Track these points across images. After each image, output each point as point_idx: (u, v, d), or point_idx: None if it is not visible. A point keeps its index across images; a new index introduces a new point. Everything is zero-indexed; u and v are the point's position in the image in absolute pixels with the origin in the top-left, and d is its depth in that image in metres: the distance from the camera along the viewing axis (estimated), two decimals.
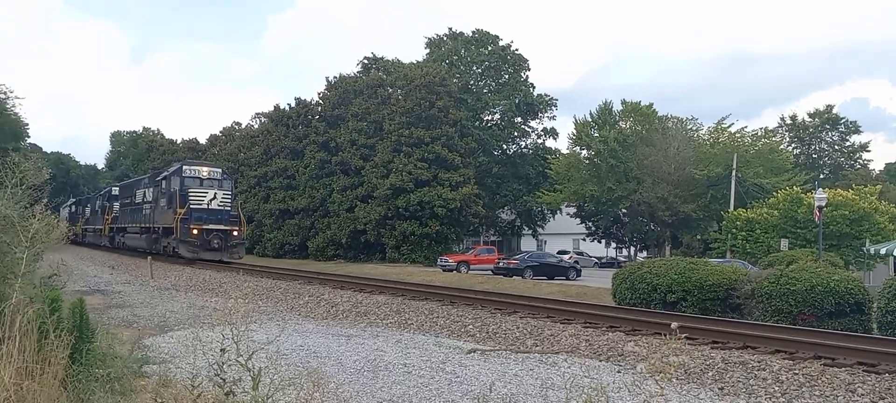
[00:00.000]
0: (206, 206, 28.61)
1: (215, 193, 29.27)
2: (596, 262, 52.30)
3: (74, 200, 61.10)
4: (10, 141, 48.96)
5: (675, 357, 4.08)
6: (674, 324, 4.16)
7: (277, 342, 8.07)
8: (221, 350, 4.24)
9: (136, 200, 35.91)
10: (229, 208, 29.66)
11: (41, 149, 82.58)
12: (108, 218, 42.44)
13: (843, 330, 11.61)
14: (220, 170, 31.81)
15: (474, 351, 9.77)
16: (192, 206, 28.05)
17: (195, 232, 27.50)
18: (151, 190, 32.57)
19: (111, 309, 14.45)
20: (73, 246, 47.15)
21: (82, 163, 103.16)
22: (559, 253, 44.10)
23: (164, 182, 30.48)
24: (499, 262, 32.40)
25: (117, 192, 42.19)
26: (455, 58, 53.88)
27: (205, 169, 30.83)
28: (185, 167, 30.36)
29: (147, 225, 32.47)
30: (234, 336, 4.11)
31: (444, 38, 55.75)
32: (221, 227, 28.52)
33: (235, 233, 29.22)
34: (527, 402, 6.70)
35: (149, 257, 27.73)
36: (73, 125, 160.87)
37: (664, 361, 4.20)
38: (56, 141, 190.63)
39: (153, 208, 31.82)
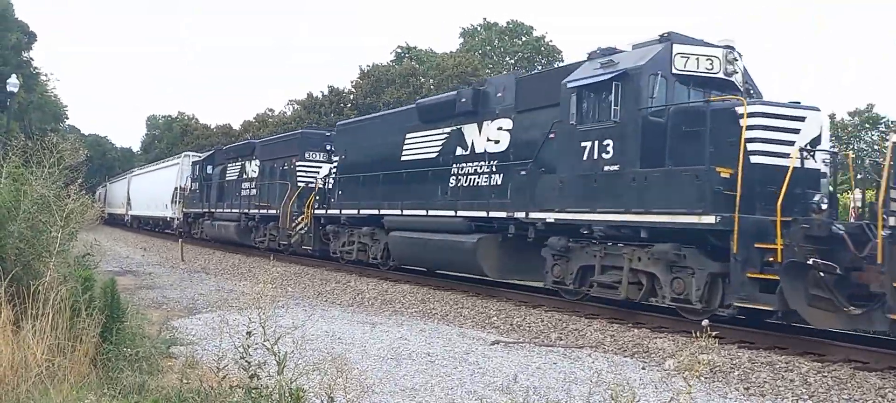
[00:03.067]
0: None
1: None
2: None
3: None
4: (50, 122, 50.11)
5: (705, 355, 4.02)
6: (705, 321, 4.12)
7: (303, 328, 8.18)
8: (247, 333, 4.31)
9: (228, 176, 29.03)
10: None
11: (79, 130, 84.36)
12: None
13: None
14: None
15: (498, 343, 9.77)
16: None
17: None
18: (266, 164, 25.13)
19: (141, 290, 14.73)
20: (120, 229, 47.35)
21: (118, 145, 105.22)
22: None
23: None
24: None
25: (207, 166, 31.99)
26: (488, 48, 53.81)
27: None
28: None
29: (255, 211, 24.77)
30: (260, 321, 4.16)
31: (479, 28, 55.65)
32: None
33: None
34: (550, 395, 6.68)
35: (180, 240, 28.17)
36: (112, 107, 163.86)
37: (694, 358, 4.16)
38: (94, 123, 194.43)
39: (267, 187, 24.62)
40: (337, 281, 17.17)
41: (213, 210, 29.61)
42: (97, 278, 7.10)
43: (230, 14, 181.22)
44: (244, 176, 27.36)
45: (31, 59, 47.91)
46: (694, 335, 4.55)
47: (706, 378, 7.89)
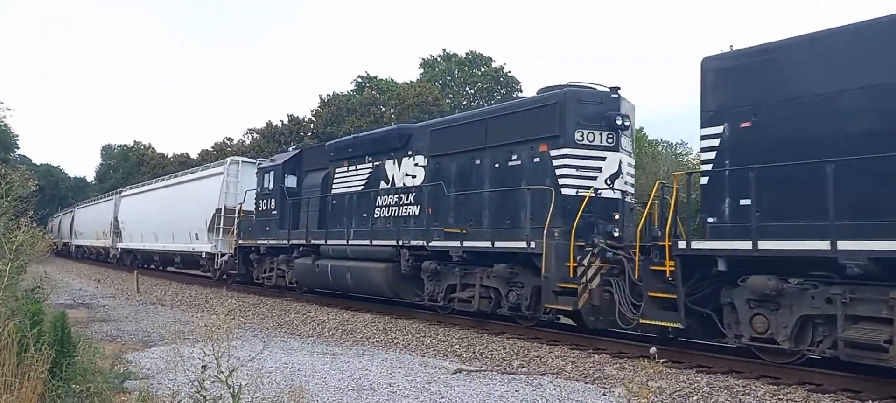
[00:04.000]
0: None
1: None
2: None
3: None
4: (0, 152, 48.75)
5: (654, 382, 4.08)
6: (652, 349, 4.18)
7: (260, 359, 8.03)
8: (203, 367, 4.21)
9: (342, 185, 18.08)
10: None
11: (31, 160, 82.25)
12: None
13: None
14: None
15: (460, 371, 9.73)
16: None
17: None
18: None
19: (95, 323, 14.32)
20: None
21: (72, 175, 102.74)
22: None
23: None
24: None
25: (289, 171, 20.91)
26: (448, 78, 54.21)
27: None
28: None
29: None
30: (215, 354, 4.08)
31: (438, 59, 56.08)
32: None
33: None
34: None
35: (135, 271, 27.52)
36: (65, 137, 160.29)
37: (642, 385, 4.20)
38: (46, 153, 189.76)
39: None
40: (296, 311, 16.94)
41: (316, 241, 18.05)
42: (49, 311, 6.89)
43: (189, 43, 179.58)
44: (390, 183, 16.35)
45: None
46: (647, 360, 4.61)
47: (665, 402, 7.96)
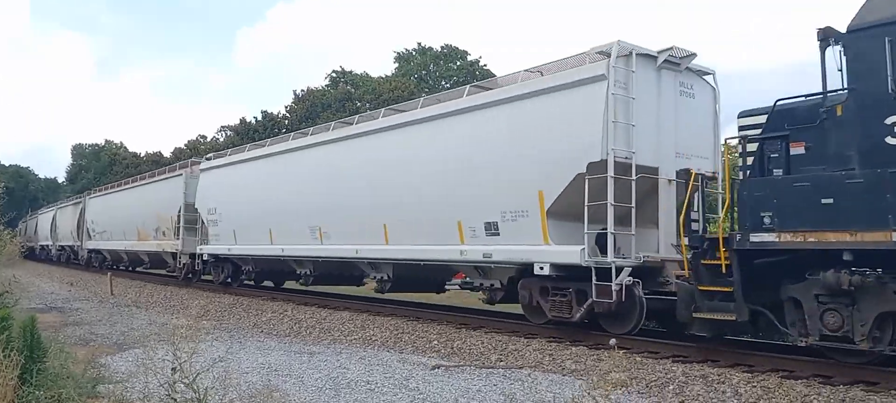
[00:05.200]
0: None
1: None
2: None
3: None
4: None
5: (616, 373, 4.11)
6: (612, 340, 4.22)
7: (231, 359, 7.96)
8: (173, 369, 4.16)
9: None
10: None
11: None
12: None
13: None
14: None
15: (439, 367, 9.72)
16: None
17: None
18: None
19: (68, 327, 14.11)
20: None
21: (42, 176, 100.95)
22: None
23: None
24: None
25: None
26: (424, 72, 54.12)
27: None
28: None
29: None
30: (178, 356, 4.03)
31: (413, 53, 55.95)
32: None
33: None
34: None
35: (109, 273, 27.14)
36: (38, 138, 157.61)
37: (604, 378, 4.24)
38: (17, 154, 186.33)
39: None
40: (273, 310, 16.82)
41: None
42: (20, 316, 6.77)
43: (161, 40, 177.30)
44: None
45: None
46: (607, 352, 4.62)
47: (641, 393, 8.03)
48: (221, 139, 57.38)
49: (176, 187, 24.84)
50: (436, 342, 11.94)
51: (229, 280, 21.66)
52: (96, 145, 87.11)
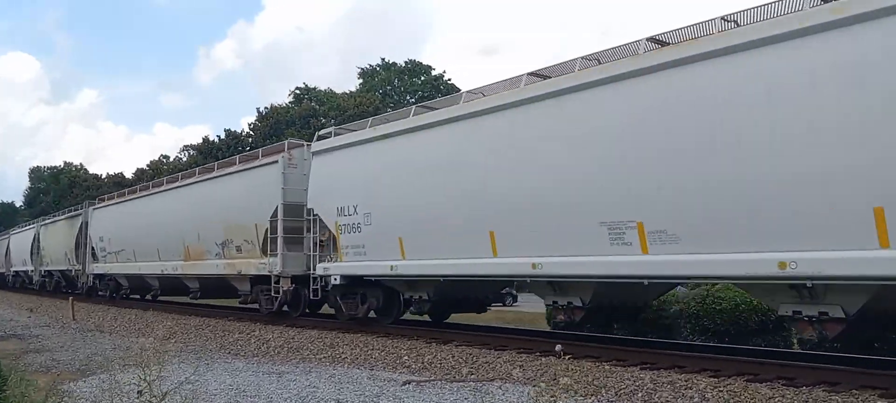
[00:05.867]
0: None
1: None
2: None
3: None
4: None
5: (564, 378, 4.16)
6: (558, 346, 4.32)
7: (204, 381, 7.84)
8: (138, 392, 4.10)
9: None
10: None
11: None
12: None
13: (767, 347, 12.06)
14: None
15: (409, 383, 9.70)
16: None
17: None
18: None
19: (28, 355, 13.78)
20: None
21: None
22: None
23: None
24: None
25: None
26: (388, 87, 54.23)
27: None
28: None
29: None
30: (147, 378, 3.98)
31: (378, 69, 56.03)
32: None
33: None
34: None
35: (70, 297, 26.51)
36: None
37: (553, 383, 4.30)
38: None
39: None
40: (240, 331, 16.61)
41: None
42: None
43: (117, 59, 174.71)
44: None
45: None
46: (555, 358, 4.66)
47: (611, 400, 8.10)
48: (184, 159, 56.69)
49: (265, 180, 17.09)
50: (406, 357, 11.90)
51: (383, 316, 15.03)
52: (55, 168, 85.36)
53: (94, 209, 29.01)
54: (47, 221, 37.65)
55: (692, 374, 9.08)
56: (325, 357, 12.76)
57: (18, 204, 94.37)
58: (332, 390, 9.29)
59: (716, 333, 13.60)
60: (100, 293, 28.01)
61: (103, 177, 67.21)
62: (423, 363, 11.40)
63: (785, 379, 8.41)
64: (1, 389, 6.04)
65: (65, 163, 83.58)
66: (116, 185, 58.77)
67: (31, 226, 40.75)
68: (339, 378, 10.34)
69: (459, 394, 8.80)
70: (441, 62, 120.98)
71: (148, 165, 60.43)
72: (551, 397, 3.95)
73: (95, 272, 27.98)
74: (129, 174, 63.69)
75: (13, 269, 45.11)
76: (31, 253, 37.96)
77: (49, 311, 26.55)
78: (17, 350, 14.18)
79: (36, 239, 37.16)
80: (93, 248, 28.17)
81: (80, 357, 13.48)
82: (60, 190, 72.96)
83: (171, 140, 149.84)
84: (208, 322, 18.69)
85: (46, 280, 35.50)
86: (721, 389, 8.25)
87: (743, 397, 7.90)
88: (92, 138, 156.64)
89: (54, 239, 34.26)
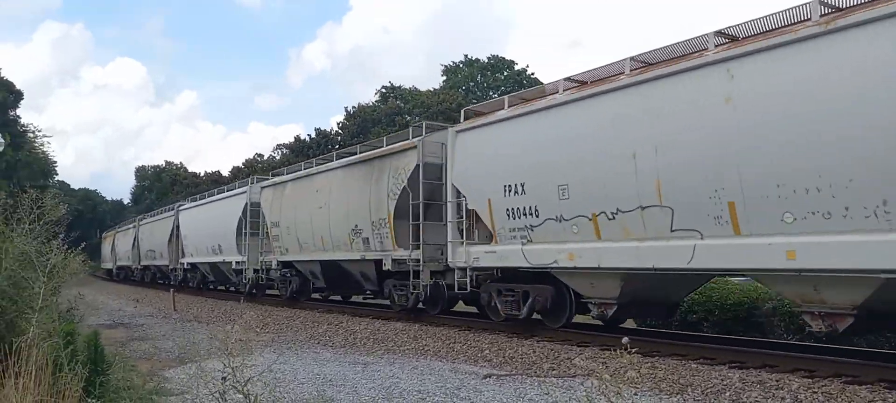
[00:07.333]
0: None
1: None
2: None
3: None
4: (39, 179, 50.02)
5: (632, 372, 4.07)
6: (625, 339, 4.23)
7: (292, 369, 8.12)
8: (223, 378, 4.31)
9: None
10: None
11: (69, 186, 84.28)
12: None
13: (870, 347, 11.41)
14: None
15: (490, 376, 9.73)
16: None
17: None
18: None
19: (133, 342, 14.60)
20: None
21: (109, 198, 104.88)
22: None
23: None
24: None
25: None
26: (472, 84, 54.33)
27: None
28: None
29: None
30: (233, 367, 4.17)
31: (461, 65, 56.21)
32: None
33: None
34: None
35: (172, 289, 27.99)
36: (102, 162, 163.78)
37: (619, 376, 4.21)
38: (84, 178, 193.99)
39: None
40: (329, 322, 17.08)
41: None
42: (85, 331, 7.06)
43: (213, 64, 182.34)
44: None
45: (18, 117, 48.04)
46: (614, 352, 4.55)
47: (697, 399, 7.87)
48: (278, 157, 58.65)
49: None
50: (487, 351, 11.94)
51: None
52: (158, 167, 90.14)
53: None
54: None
55: (784, 374, 8.72)
56: (408, 348, 12.96)
57: (126, 201, 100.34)
58: (414, 381, 9.42)
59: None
60: (190, 284, 32.22)
61: (201, 174, 70.42)
62: (504, 357, 11.40)
63: (887, 383, 7.94)
64: (105, 373, 6.44)
65: (166, 162, 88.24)
66: (214, 183, 61.48)
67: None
68: (422, 369, 10.48)
69: (540, 389, 8.75)
70: (524, 57, 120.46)
71: (243, 163, 62.85)
72: (616, 390, 3.88)
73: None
74: (225, 172, 66.45)
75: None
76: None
77: (152, 302, 28.08)
78: (124, 338, 15.06)
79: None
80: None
81: (179, 345, 14.18)
82: (162, 187, 77.06)
83: (266, 139, 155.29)
84: (298, 313, 19.31)
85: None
86: (815, 390, 7.88)
87: (840, 400, 7.52)
88: (191, 138, 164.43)
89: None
